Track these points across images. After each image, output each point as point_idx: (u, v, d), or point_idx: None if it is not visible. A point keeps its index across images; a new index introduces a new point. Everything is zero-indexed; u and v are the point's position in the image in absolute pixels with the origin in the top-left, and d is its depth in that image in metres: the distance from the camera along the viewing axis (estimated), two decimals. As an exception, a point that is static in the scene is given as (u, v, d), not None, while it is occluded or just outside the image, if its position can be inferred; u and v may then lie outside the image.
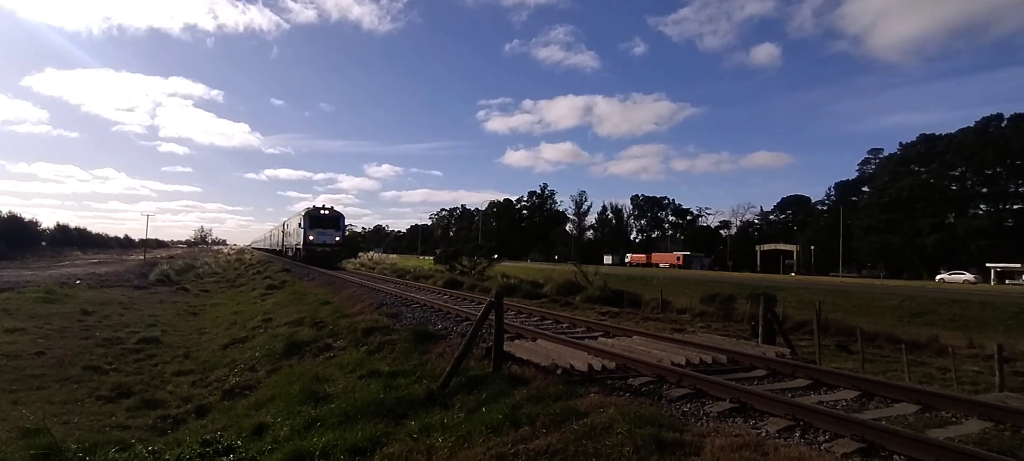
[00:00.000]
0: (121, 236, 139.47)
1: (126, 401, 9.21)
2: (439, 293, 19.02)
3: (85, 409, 8.79)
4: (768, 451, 4.22)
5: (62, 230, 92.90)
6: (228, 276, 41.29)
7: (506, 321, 8.29)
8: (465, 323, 10.75)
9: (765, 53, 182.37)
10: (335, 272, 30.47)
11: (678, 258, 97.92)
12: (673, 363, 6.93)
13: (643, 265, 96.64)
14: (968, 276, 60.56)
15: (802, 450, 4.31)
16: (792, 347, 9.01)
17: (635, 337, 9.40)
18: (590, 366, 6.78)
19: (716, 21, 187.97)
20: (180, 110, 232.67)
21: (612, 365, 7.00)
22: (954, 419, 5.23)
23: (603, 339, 9.26)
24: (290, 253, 49.01)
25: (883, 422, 4.82)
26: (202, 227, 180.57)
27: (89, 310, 18.92)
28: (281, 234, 57.76)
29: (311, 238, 39.16)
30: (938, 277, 63.07)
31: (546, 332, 9.39)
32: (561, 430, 4.87)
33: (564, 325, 11.36)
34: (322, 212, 40.94)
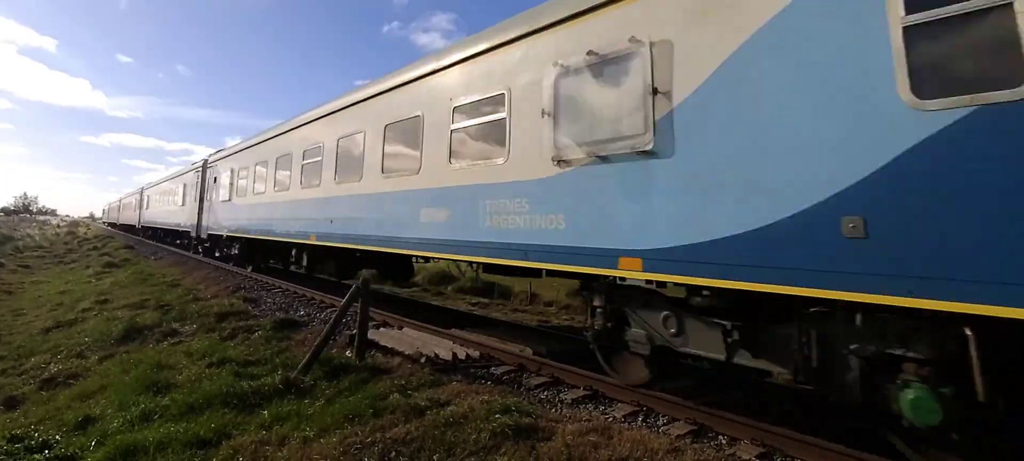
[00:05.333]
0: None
1: (-90, 392, 7.82)
2: (304, 279, 18.15)
3: None
4: (613, 434, 4.58)
5: None
6: (56, 251, 36.27)
7: (372, 309, 8.14)
8: (330, 310, 10.40)
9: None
10: (188, 252, 27.76)
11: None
12: (534, 353, 7.21)
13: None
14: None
15: (644, 433, 4.72)
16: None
17: (501, 326, 9.63)
18: (454, 355, 6.87)
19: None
20: None
21: (476, 354, 7.13)
22: (769, 404, 5.96)
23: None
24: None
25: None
26: (25, 193, 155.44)
27: None
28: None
29: None
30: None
31: (413, 320, 9.34)
32: (421, 418, 4.90)
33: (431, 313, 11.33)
34: None
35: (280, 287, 13.79)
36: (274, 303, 11.54)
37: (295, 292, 12.93)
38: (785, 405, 5.72)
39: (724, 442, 4.70)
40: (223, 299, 11.93)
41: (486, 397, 5.32)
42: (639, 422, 5.13)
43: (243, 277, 15.70)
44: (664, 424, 5.08)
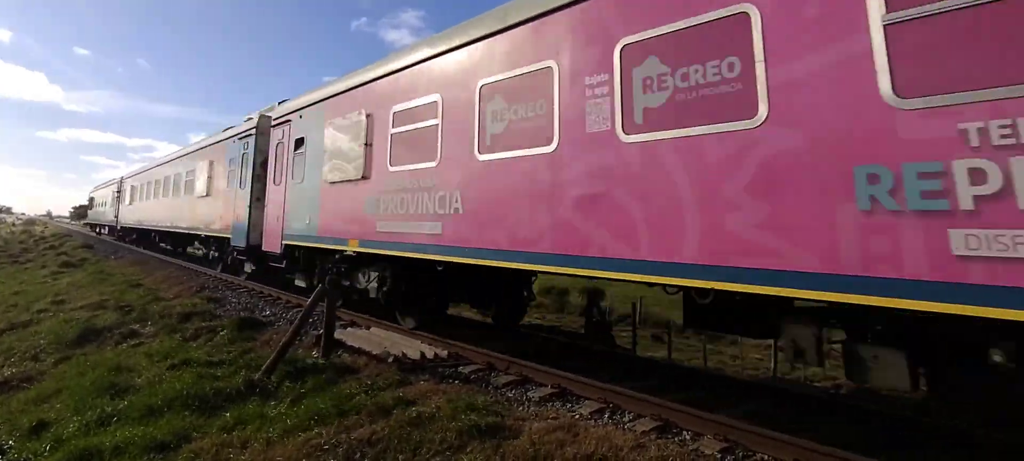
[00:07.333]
0: None
1: None
2: (268, 279, 17.82)
3: None
4: (579, 431, 4.61)
5: None
6: (11, 250, 34.86)
7: (340, 309, 8.05)
8: (296, 310, 10.25)
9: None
10: (151, 251, 27.13)
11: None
12: (502, 351, 7.22)
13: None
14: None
15: (609, 429, 4.77)
16: (611, 338, 9.85)
17: (467, 330, 9.63)
18: (423, 354, 6.84)
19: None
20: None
21: (445, 353, 7.11)
22: (735, 400, 6.10)
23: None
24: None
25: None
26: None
27: None
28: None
29: None
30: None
31: (382, 320, 9.27)
32: (387, 418, 4.87)
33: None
34: None
35: (245, 287, 13.54)
36: (239, 303, 11.33)
37: (260, 292, 12.71)
38: (752, 401, 5.84)
39: (688, 437, 4.77)
40: (186, 299, 11.67)
41: (453, 396, 5.32)
42: (605, 419, 5.18)
43: (207, 277, 15.37)
44: (629, 420, 5.14)
